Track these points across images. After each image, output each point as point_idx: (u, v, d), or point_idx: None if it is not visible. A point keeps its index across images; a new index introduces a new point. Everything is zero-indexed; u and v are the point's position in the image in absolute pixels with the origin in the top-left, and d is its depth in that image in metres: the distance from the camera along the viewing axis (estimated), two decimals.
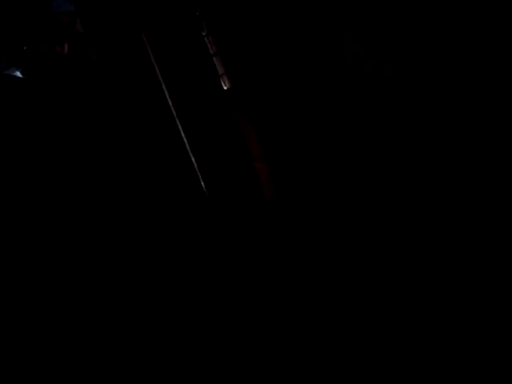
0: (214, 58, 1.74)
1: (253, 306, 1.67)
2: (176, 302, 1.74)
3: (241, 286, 1.67)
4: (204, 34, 1.63)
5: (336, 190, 1.70)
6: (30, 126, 1.74)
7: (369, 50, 1.75)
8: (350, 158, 1.72)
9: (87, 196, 1.76)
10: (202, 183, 1.66)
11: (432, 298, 1.53)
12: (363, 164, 1.73)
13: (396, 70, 1.67)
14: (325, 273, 1.66)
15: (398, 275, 1.63)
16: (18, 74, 1.84)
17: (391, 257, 1.65)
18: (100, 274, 1.79)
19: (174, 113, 1.75)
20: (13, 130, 1.71)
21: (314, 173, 1.71)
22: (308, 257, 1.60)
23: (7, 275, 1.68)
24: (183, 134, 1.71)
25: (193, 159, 1.65)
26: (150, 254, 1.75)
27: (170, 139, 1.65)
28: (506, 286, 1.46)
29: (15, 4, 1.87)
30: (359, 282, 1.63)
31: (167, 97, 1.75)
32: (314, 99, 1.77)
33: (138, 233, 1.73)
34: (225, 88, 1.76)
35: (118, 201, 1.75)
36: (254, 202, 1.61)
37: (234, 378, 1.60)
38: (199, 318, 1.76)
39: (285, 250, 1.60)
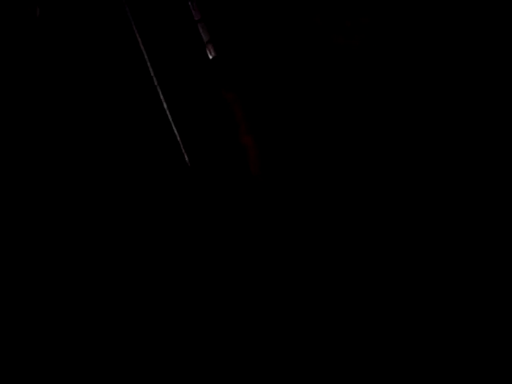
0: (199, 25, 1.63)
1: (238, 278, 1.73)
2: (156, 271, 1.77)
3: (225, 258, 1.70)
4: None
5: (321, 166, 1.71)
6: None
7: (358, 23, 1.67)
8: (336, 135, 1.71)
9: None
10: (186, 157, 1.63)
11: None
12: (349, 142, 1.72)
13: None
14: (310, 245, 1.71)
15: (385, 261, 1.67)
16: None
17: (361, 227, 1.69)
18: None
19: (156, 82, 1.66)
20: None
21: (301, 148, 1.70)
22: (293, 231, 1.63)
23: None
24: (166, 106, 1.64)
25: (176, 133, 1.61)
26: (132, 225, 1.74)
27: (151, 111, 1.58)
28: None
29: None
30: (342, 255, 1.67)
31: (149, 66, 1.64)
32: (303, 72, 1.72)
33: (118, 204, 1.71)
34: (210, 57, 1.67)
35: (98, 168, 1.71)
36: (240, 177, 1.61)
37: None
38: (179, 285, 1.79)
39: (270, 223, 1.62)
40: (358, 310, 1.63)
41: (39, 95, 1.64)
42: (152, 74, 1.60)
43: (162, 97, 1.62)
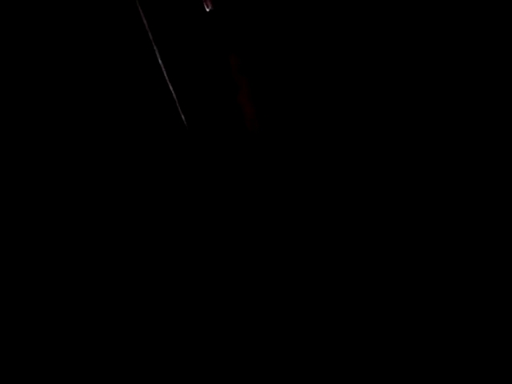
0: None
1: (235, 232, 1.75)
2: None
3: (221, 215, 1.71)
4: None
5: (314, 126, 1.67)
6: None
7: None
8: (334, 98, 1.65)
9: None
10: (182, 116, 1.59)
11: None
12: (344, 102, 1.66)
13: None
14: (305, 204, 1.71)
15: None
16: None
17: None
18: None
19: (151, 37, 1.58)
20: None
21: (296, 106, 1.65)
22: (287, 186, 1.62)
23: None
24: (161, 63, 1.57)
25: (172, 92, 1.56)
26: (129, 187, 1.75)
27: (146, 69, 1.52)
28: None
29: None
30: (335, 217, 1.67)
31: (143, 17, 1.56)
32: (304, 29, 1.62)
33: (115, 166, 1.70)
34: (207, 10, 1.56)
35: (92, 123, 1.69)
36: (236, 134, 1.59)
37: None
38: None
39: (265, 178, 1.61)
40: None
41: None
42: (147, 28, 1.52)
43: (157, 54, 1.54)
